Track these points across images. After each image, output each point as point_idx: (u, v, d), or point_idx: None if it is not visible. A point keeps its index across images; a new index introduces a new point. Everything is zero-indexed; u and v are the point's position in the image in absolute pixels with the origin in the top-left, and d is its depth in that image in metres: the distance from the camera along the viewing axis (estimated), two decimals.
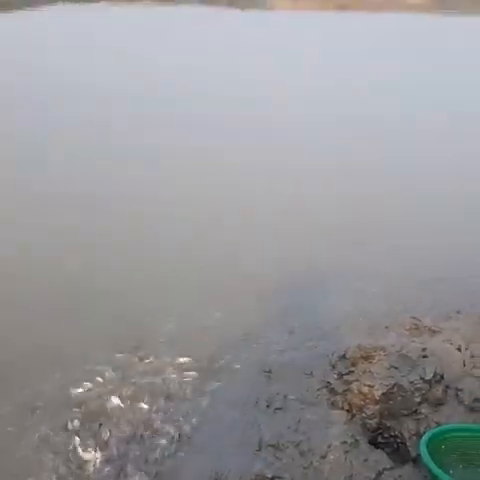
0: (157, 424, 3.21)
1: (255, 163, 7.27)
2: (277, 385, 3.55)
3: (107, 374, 3.61)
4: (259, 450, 2.90)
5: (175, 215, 5.82)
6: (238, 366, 3.73)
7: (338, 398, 3.27)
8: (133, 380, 3.57)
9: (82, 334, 4.02)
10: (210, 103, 9.89)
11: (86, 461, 2.98)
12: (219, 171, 7.01)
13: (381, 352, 3.52)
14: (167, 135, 8.11)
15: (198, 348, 3.87)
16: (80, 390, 3.47)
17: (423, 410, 3.10)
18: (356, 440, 2.93)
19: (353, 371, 3.43)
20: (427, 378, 3.21)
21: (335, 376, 3.46)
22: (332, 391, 3.34)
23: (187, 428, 3.16)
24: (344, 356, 3.59)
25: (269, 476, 2.69)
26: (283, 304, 4.52)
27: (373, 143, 8.24)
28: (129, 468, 2.90)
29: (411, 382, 3.17)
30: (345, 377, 3.40)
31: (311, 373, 3.57)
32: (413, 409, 3.11)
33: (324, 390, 3.39)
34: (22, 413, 3.30)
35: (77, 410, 3.32)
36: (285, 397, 3.40)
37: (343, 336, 4.04)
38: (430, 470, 2.53)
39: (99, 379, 3.56)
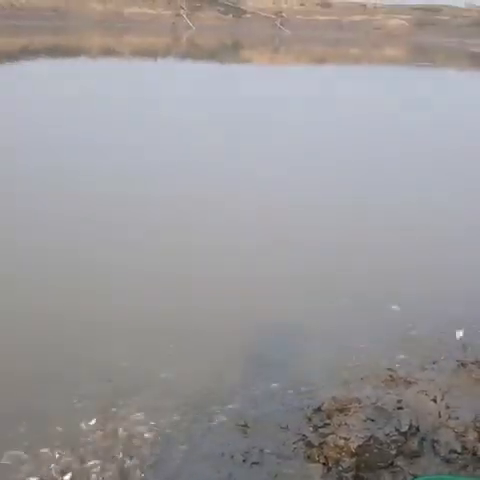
0: None
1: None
2: (253, 439, 3.51)
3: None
4: None
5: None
6: (213, 420, 3.68)
7: (314, 451, 3.24)
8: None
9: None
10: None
11: None
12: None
13: (356, 404, 3.53)
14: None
15: (170, 400, 3.83)
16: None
17: (399, 462, 3.09)
18: None
19: (329, 424, 3.43)
20: (403, 430, 3.23)
21: (311, 429, 3.44)
22: (308, 444, 3.32)
23: None
24: (319, 409, 3.59)
25: None
26: (258, 357, 4.51)
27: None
28: None
29: (387, 434, 3.18)
30: (321, 430, 3.39)
31: (287, 427, 3.54)
32: (389, 461, 3.10)
33: (300, 443, 3.36)
34: None
35: None
36: (261, 451, 3.36)
37: (318, 388, 4.03)
38: None
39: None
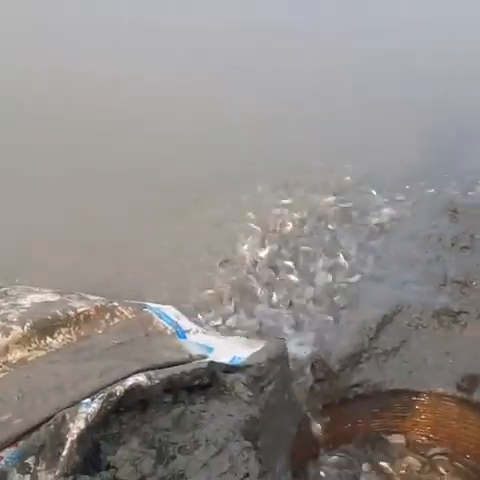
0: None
1: None
2: (463, 224, 3.33)
3: None
4: (444, 285, 2.77)
5: None
6: (422, 202, 3.53)
7: None
8: None
9: None
10: None
11: None
12: None
13: None
14: None
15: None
16: None
17: None
18: None
19: None
20: None
21: None
22: None
23: (370, 260, 3.10)
24: None
25: (455, 310, 2.58)
26: None
27: None
28: None
29: None
30: None
31: None
32: None
33: None
34: None
35: None
36: (472, 237, 3.19)
37: None
38: None
39: None
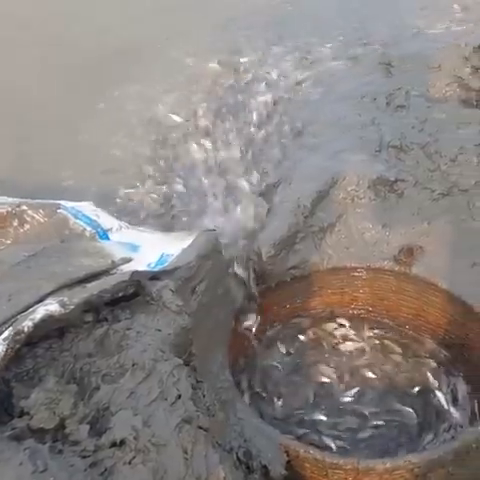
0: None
1: None
2: (397, 79, 3.14)
3: None
4: (379, 151, 2.64)
5: None
6: (354, 54, 3.28)
7: (472, 95, 2.85)
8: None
9: None
10: None
11: None
12: None
13: None
14: None
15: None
16: None
17: None
18: None
19: None
20: None
21: (469, 70, 2.99)
22: (465, 87, 2.91)
23: (299, 125, 2.90)
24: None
25: (391, 179, 2.47)
26: None
27: None
28: None
29: None
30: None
31: (439, 67, 3.10)
32: None
33: (455, 86, 2.96)
34: None
35: None
36: (407, 93, 3.02)
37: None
38: None
39: None
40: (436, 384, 2.11)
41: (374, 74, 3.26)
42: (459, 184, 2.44)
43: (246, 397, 2.09)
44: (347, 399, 2.12)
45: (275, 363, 2.23)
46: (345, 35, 3.93)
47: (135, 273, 1.61)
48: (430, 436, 1.93)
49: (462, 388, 2.05)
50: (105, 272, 1.72)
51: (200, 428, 1.29)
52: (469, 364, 2.08)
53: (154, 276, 1.68)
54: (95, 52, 3.75)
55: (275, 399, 2.12)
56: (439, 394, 2.08)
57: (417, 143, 2.58)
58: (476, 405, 1.97)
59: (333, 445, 1.96)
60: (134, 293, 1.61)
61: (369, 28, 3.84)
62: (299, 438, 1.91)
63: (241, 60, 3.56)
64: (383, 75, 3.24)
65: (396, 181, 2.46)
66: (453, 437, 1.82)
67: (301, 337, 2.35)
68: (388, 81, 3.13)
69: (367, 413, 2.06)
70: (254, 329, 2.14)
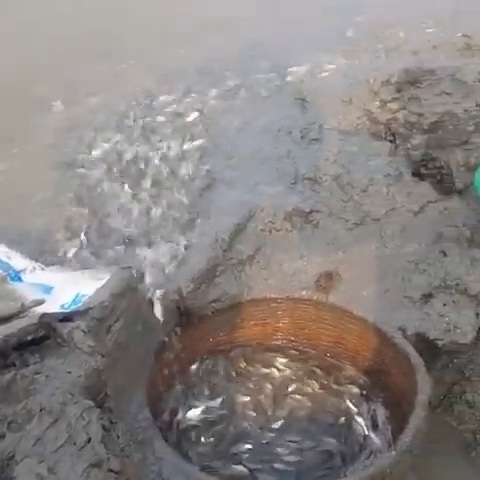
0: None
1: None
2: (312, 113, 3.25)
3: None
4: (295, 183, 2.71)
5: None
6: (268, 87, 3.38)
7: (381, 128, 2.98)
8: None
9: None
10: None
11: None
12: None
13: (431, 77, 3.11)
14: None
15: None
16: None
17: (475, 139, 2.82)
18: (400, 173, 2.70)
19: (398, 98, 3.08)
20: None
21: (378, 104, 3.12)
22: (374, 120, 3.04)
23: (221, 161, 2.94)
24: (388, 81, 3.20)
25: (306, 210, 2.54)
26: None
27: None
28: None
29: (465, 110, 2.84)
30: (389, 105, 3.06)
31: (350, 101, 3.22)
32: (464, 139, 2.83)
33: (365, 119, 3.09)
34: None
35: None
36: (320, 127, 3.12)
37: (387, 60, 3.61)
38: None
39: None
40: (357, 410, 2.15)
41: (290, 108, 3.36)
42: (371, 213, 2.53)
43: (172, 435, 2.07)
44: (271, 433, 2.13)
45: (199, 398, 2.22)
46: (263, 71, 4.05)
47: (44, 315, 1.58)
48: (352, 464, 1.96)
49: (381, 413, 2.10)
50: (15, 315, 1.68)
51: (111, 471, 1.26)
52: (387, 389, 2.13)
53: (66, 317, 1.66)
54: None
55: (201, 435, 2.11)
56: (360, 420, 2.11)
57: (330, 175, 2.67)
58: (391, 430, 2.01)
59: (259, 477, 1.95)
60: (45, 336, 1.58)
61: (286, 63, 3.95)
62: (223, 472, 1.90)
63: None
64: (299, 110, 3.34)
65: (311, 212, 2.53)
66: (372, 463, 1.84)
67: (225, 370, 2.35)
68: (303, 115, 3.23)
69: (292, 445, 2.07)
70: (176, 365, 2.13)
